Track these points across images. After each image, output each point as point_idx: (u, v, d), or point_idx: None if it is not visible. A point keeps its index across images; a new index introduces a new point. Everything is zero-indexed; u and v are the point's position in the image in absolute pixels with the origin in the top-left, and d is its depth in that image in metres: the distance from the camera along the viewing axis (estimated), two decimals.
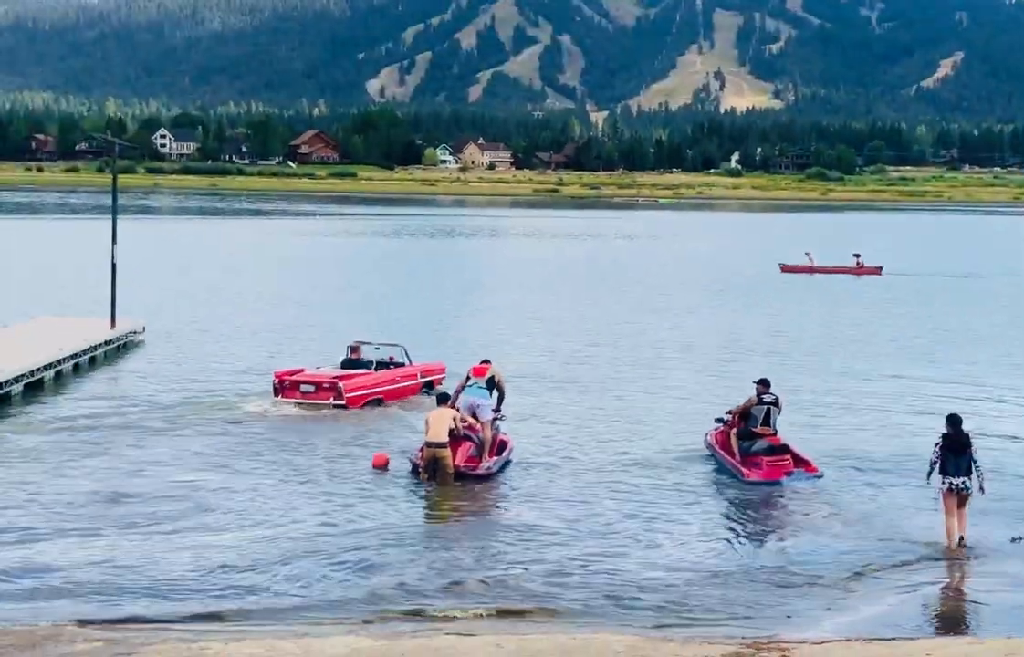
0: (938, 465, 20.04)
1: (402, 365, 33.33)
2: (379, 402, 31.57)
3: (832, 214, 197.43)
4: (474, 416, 24.92)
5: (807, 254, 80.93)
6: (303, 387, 31.33)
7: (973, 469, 20.05)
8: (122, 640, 14.69)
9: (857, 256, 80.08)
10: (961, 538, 20.05)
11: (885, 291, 68.21)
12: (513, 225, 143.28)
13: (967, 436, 20.26)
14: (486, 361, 26.33)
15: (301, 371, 32.37)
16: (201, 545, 19.46)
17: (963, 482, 19.94)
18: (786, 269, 79.26)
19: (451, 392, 26.06)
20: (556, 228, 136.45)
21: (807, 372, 38.36)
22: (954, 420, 20.41)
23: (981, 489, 20.11)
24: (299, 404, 30.88)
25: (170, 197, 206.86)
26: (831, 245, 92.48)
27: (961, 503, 20.07)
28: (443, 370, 34.23)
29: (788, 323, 52.71)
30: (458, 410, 24.73)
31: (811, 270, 78.69)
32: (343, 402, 30.81)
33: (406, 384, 32.78)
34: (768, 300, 62.44)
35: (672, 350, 43.28)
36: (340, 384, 31.13)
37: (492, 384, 25.59)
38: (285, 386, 31.44)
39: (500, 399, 25.93)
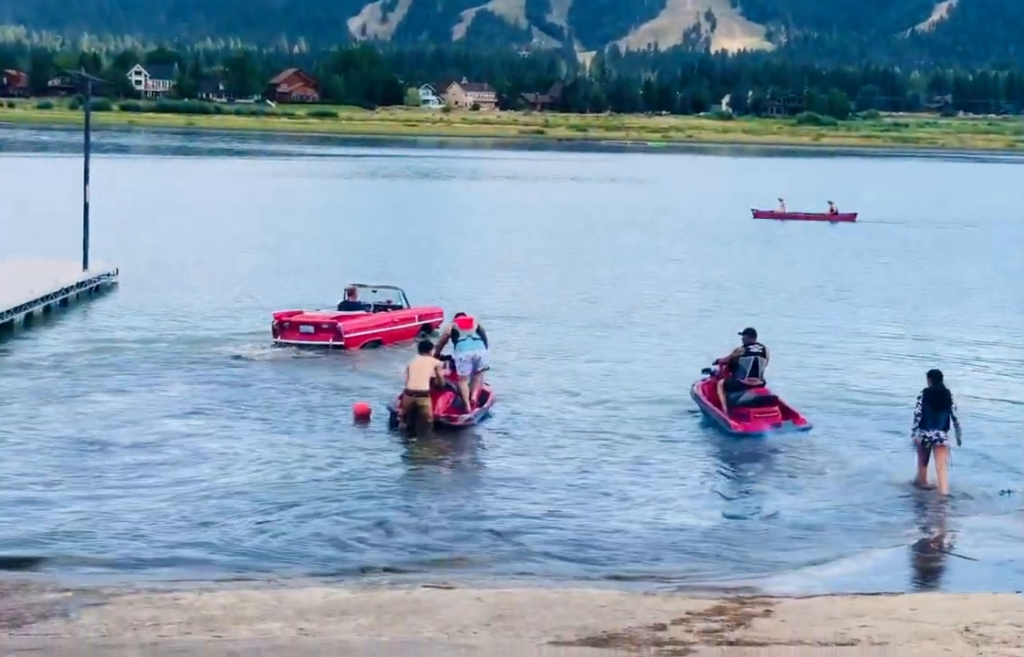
0: (919, 418, 20.48)
1: (400, 308, 33.56)
2: (377, 344, 31.80)
3: (823, 160, 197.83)
4: (474, 370, 24.49)
5: (780, 200, 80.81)
6: (302, 328, 31.67)
7: (952, 424, 20.42)
8: (92, 590, 14.52)
9: (831, 203, 79.96)
10: (942, 491, 20.30)
11: (860, 238, 68.34)
12: (496, 168, 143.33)
13: (948, 392, 20.66)
14: (461, 313, 25.83)
15: (300, 313, 32.61)
16: (173, 494, 19.15)
17: (937, 434, 20.35)
18: (759, 215, 78.96)
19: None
20: (540, 171, 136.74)
21: (789, 321, 38.17)
22: (935, 375, 20.84)
23: (959, 442, 20.55)
24: (298, 345, 31.14)
25: (145, 136, 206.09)
26: (821, 191, 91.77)
27: (940, 457, 20.40)
28: (441, 314, 34.24)
29: (763, 271, 52.52)
30: (442, 364, 24.15)
31: (783, 216, 78.48)
32: (342, 343, 31.17)
33: (404, 327, 33.00)
34: (741, 247, 62.33)
35: (651, 299, 43.11)
36: (339, 325, 31.50)
37: (481, 334, 24.99)
38: (284, 327, 31.75)
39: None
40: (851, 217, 77.95)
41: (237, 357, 29.93)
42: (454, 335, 24.69)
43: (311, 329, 31.55)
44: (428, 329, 32.91)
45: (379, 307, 33.36)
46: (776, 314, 38.90)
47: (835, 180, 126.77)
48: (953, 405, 20.56)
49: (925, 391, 20.60)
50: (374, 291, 34.30)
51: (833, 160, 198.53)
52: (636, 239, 64.11)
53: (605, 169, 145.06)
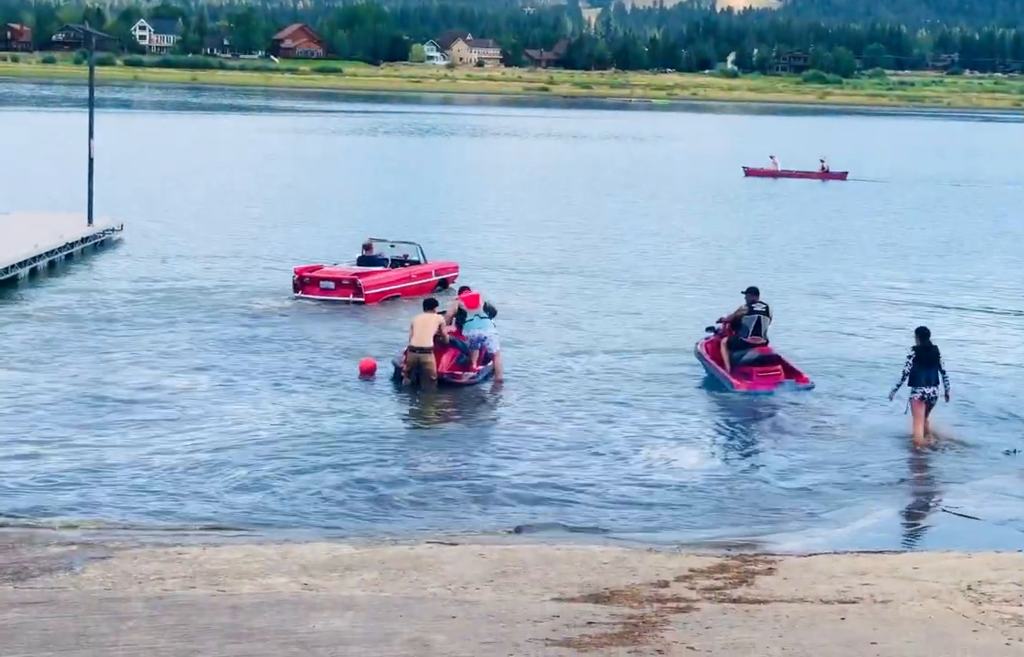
0: (909, 376, 20.77)
1: (417, 263, 33.86)
2: (395, 299, 31.92)
3: (827, 118, 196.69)
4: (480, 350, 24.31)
5: (771, 157, 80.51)
6: (323, 283, 31.90)
7: (941, 378, 20.93)
8: (97, 543, 14.54)
9: (823, 161, 79.80)
10: (929, 439, 20.89)
11: (849, 197, 68.27)
12: (499, 125, 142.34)
13: (936, 348, 21.14)
14: (465, 288, 25.73)
15: (320, 268, 32.82)
16: (178, 448, 19.16)
17: (932, 391, 20.85)
18: (750, 173, 78.79)
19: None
20: (542, 128, 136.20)
21: (789, 279, 38.06)
22: (923, 332, 21.27)
23: (947, 397, 21.12)
24: (319, 300, 31.32)
25: (149, 91, 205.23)
26: (819, 149, 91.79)
27: (927, 411, 20.91)
28: (456, 269, 34.97)
29: (759, 229, 52.45)
30: (446, 320, 24.06)
31: (775, 174, 78.27)
32: (362, 299, 31.41)
33: (422, 282, 33.17)
34: (738, 206, 62.21)
35: (651, 257, 43.10)
36: (360, 281, 31.67)
37: (490, 311, 24.68)
38: (305, 282, 31.97)
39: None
40: (842, 175, 77.81)
41: (254, 313, 30.03)
42: (460, 314, 24.45)
43: (331, 285, 31.76)
44: (444, 284, 33.36)
45: (396, 262, 33.56)
46: (777, 272, 38.88)
47: (836, 138, 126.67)
48: (941, 360, 21.08)
49: (915, 348, 20.98)
50: (392, 246, 34.38)
51: (837, 118, 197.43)
52: (634, 196, 63.96)
53: (608, 126, 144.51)
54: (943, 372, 20.97)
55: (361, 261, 33.01)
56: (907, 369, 20.84)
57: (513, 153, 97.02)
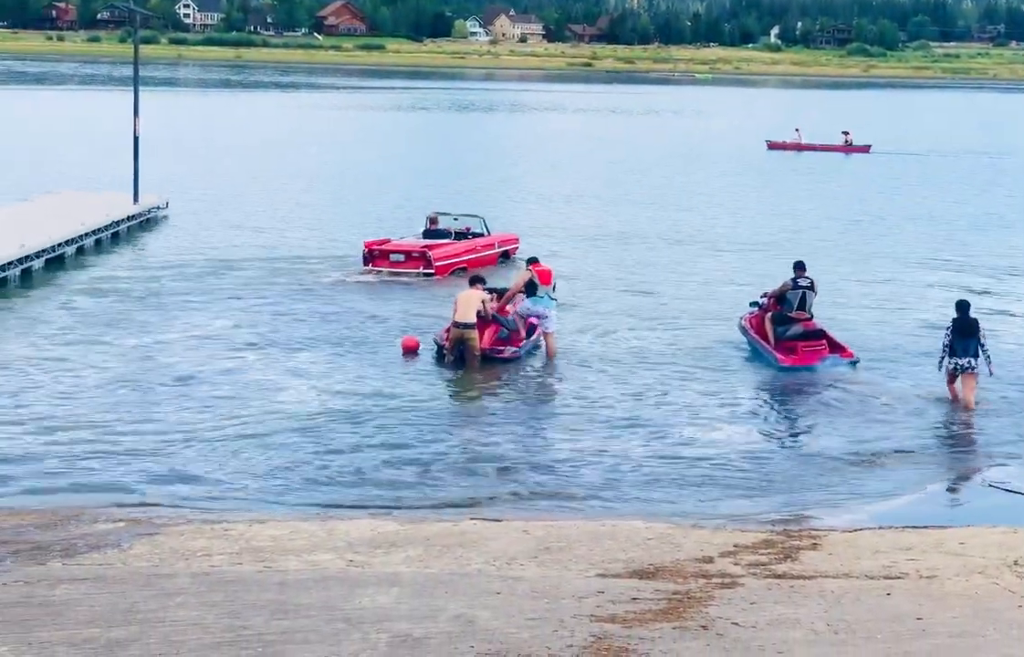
0: (948, 347, 21.15)
1: (480, 235, 34.51)
2: (463, 270, 31.89)
3: (872, 91, 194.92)
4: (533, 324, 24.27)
5: (796, 130, 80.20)
6: (392, 256, 32.46)
7: (981, 352, 21.13)
8: (144, 520, 14.71)
9: (846, 133, 79.42)
10: (970, 407, 21.03)
11: (875, 169, 67.80)
12: (540, 100, 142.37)
13: (975, 321, 21.41)
14: (535, 260, 25.21)
15: (388, 241, 33.50)
16: (225, 424, 19.24)
17: (968, 362, 21.05)
18: (773, 146, 78.55)
19: (507, 287, 25.67)
20: (583, 103, 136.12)
21: (825, 254, 37.45)
22: (962, 305, 21.61)
23: (990, 372, 21.29)
24: (390, 273, 31.93)
25: (193, 69, 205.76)
26: (854, 122, 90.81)
27: (967, 382, 21.11)
28: (517, 241, 35.87)
29: (793, 204, 51.95)
30: (489, 296, 24.14)
31: (799, 147, 77.91)
32: (432, 271, 32.03)
33: (486, 254, 33.97)
34: (769, 180, 61.69)
35: (694, 230, 43.12)
36: (429, 253, 32.29)
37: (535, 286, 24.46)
38: (375, 255, 32.56)
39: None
40: (865, 148, 77.37)
41: (307, 286, 30.34)
42: (531, 286, 24.29)
43: (401, 257, 32.37)
44: (507, 256, 34.52)
45: (460, 235, 34.16)
46: (816, 247, 38.59)
47: (873, 110, 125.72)
48: (982, 333, 21.29)
49: (953, 320, 21.34)
50: (455, 219, 35.18)
51: (881, 91, 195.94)
52: (672, 171, 63.80)
53: (649, 101, 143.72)
54: (983, 345, 21.17)
55: (427, 234, 33.77)
56: (946, 341, 21.23)
57: (553, 129, 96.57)
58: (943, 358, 21.27)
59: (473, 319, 23.16)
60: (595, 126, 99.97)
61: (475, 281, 24.18)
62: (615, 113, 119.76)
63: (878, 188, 58.60)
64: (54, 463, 17.27)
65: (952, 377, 21.33)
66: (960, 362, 21.07)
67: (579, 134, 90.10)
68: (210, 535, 13.89)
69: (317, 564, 12.70)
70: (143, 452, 17.81)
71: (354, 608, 11.08)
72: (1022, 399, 21.88)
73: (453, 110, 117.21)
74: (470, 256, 33.36)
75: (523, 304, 24.33)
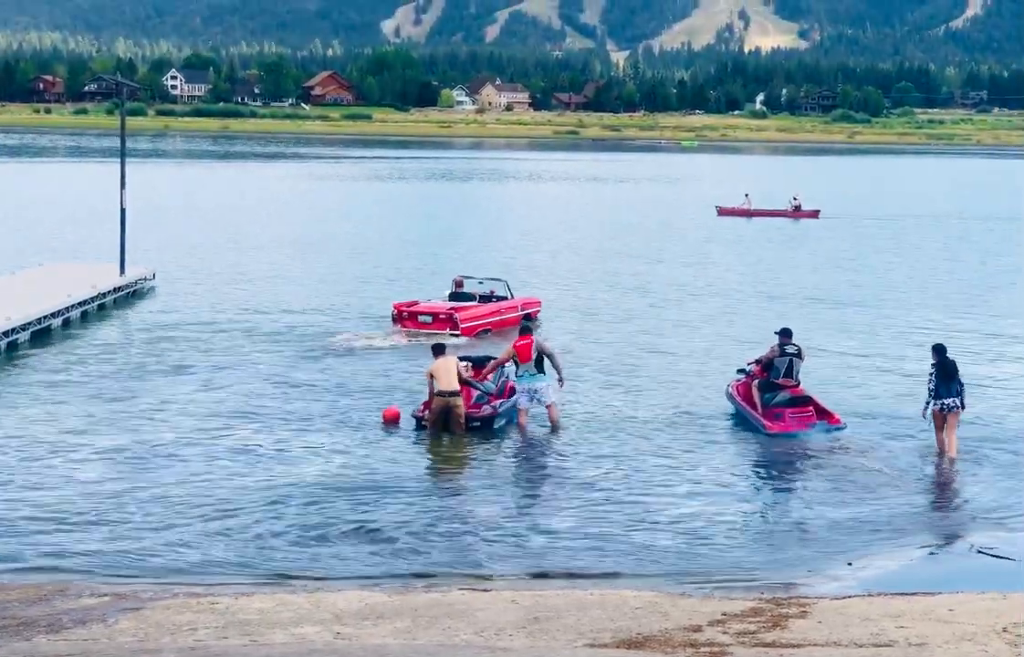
0: (932, 392, 21.90)
1: (504, 298, 35.79)
2: (487, 332, 33.88)
3: (860, 157, 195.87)
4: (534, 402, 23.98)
5: (746, 195, 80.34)
6: (421, 318, 33.92)
7: (960, 390, 22.01)
8: (130, 594, 14.65)
9: (795, 199, 79.64)
10: (951, 458, 21.84)
11: (825, 235, 67.93)
12: (524, 168, 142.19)
13: (953, 362, 22.19)
14: (526, 332, 24.84)
15: (416, 303, 35.03)
16: (210, 497, 19.20)
17: (953, 402, 21.90)
18: (723, 212, 78.74)
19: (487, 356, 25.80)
20: (562, 171, 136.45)
21: (808, 321, 37.26)
22: (940, 349, 22.35)
23: (962, 405, 22.11)
24: (417, 333, 33.01)
25: (181, 140, 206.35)
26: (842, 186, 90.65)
27: (951, 422, 21.96)
28: (539, 304, 37.26)
29: (760, 272, 51.70)
30: (464, 363, 24.22)
31: (748, 213, 78.01)
32: (458, 332, 33.26)
33: (510, 316, 35.05)
34: (708, 248, 60.88)
35: (676, 298, 43.10)
36: (456, 315, 33.71)
37: (540, 361, 24.05)
38: (403, 316, 34.09)
39: (558, 370, 24.28)
40: (814, 213, 77.52)
41: (288, 358, 30.35)
42: (511, 360, 24.22)
43: (429, 318, 33.80)
44: (528, 318, 34.35)
45: (484, 297, 35.60)
46: (794, 315, 38.67)
47: (848, 175, 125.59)
48: (960, 373, 22.20)
49: (936, 365, 22.04)
50: (480, 282, 36.59)
51: (866, 158, 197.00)
52: (650, 239, 63.89)
53: (627, 170, 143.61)
54: (961, 384, 22.08)
55: (453, 296, 35.43)
56: (931, 385, 21.96)
57: (533, 196, 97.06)
58: (929, 402, 21.94)
59: (457, 387, 23.11)
60: (579, 195, 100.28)
61: (439, 350, 23.87)
62: (597, 181, 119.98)
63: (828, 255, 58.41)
64: (39, 538, 17.17)
65: (940, 420, 21.96)
66: (947, 402, 21.84)
67: (561, 203, 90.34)
68: (196, 609, 13.81)
69: (304, 637, 12.63)
70: (128, 525, 17.72)
71: None
72: (1009, 461, 21.93)
73: (438, 178, 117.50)
74: (494, 318, 34.70)
75: (517, 389, 23.98)
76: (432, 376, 23.32)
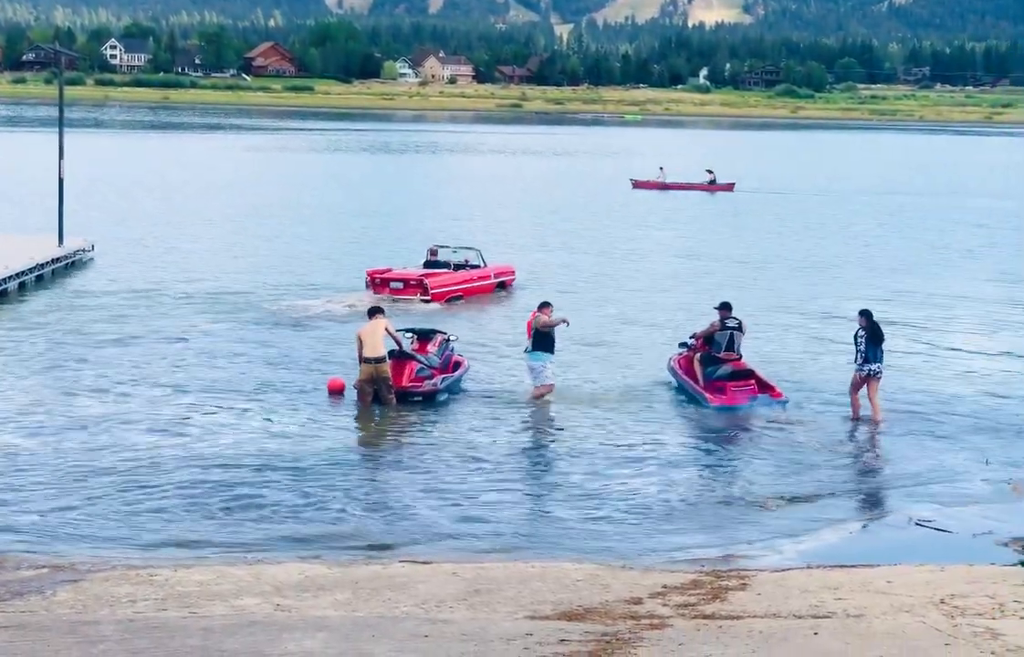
0: (863, 355, 22.70)
1: (477, 267, 36.73)
2: (458, 298, 35.14)
3: (800, 132, 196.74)
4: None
5: (660, 168, 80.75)
6: (392, 283, 34.90)
7: (882, 356, 22.92)
8: (68, 566, 14.52)
9: (710, 172, 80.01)
10: (877, 417, 22.74)
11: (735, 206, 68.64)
12: (464, 141, 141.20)
13: (879, 327, 23.09)
14: (545, 305, 24.38)
15: (389, 270, 35.99)
16: (149, 469, 19.05)
17: (878, 367, 22.80)
18: (638, 185, 79.01)
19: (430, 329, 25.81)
20: (496, 144, 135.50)
21: (747, 293, 37.62)
22: (868, 313, 23.20)
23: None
24: (391, 299, 33.40)
25: (120, 110, 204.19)
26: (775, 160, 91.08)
27: (874, 386, 22.85)
28: (513, 272, 38.20)
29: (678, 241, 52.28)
30: (434, 351, 24.34)
31: (662, 186, 78.38)
32: (428, 297, 34.38)
33: (482, 283, 36.47)
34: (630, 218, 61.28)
35: (620, 271, 42.94)
36: (426, 281, 34.73)
37: (542, 337, 23.79)
38: (376, 282, 35.08)
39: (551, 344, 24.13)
40: (729, 187, 78.01)
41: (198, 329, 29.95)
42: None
43: (400, 285, 34.84)
44: (502, 286, 37.01)
45: (458, 266, 36.57)
46: (736, 286, 38.80)
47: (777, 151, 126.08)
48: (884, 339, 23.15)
49: (866, 328, 22.85)
50: (454, 251, 37.53)
51: (808, 133, 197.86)
52: (590, 214, 63.87)
53: (566, 143, 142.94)
54: (882, 350, 22.93)
55: (427, 265, 36.43)
56: (862, 348, 22.76)
57: (467, 171, 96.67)
58: (861, 364, 22.79)
59: (383, 352, 22.72)
60: (509, 167, 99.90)
61: (374, 311, 23.65)
62: (535, 154, 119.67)
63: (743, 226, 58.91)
64: None
65: (861, 383, 22.90)
66: (872, 367, 22.74)
67: (497, 176, 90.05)
68: (135, 581, 13.73)
69: (243, 609, 12.57)
70: (66, 498, 17.58)
71: (280, 654, 10.93)
72: (946, 434, 22.24)
73: (381, 151, 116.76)
74: (466, 285, 35.85)
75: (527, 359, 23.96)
76: (360, 340, 22.96)
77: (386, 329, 23.06)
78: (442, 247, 37.82)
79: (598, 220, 59.77)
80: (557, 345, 24.16)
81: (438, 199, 69.24)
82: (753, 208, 68.27)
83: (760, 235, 55.21)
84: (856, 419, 22.84)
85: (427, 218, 57.49)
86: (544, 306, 24.19)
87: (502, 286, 37.13)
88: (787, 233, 56.56)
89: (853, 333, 23.35)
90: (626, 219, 60.80)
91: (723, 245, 50.78)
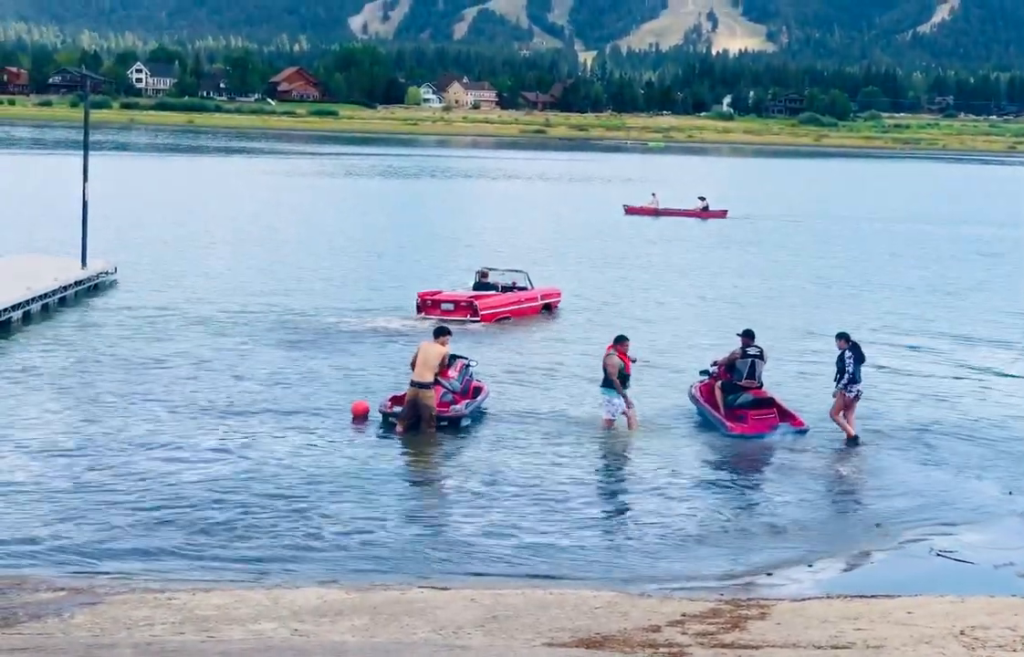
0: (850, 376, 23.03)
1: (525, 289, 37.51)
2: (507, 319, 35.97)
3: (819, 160, 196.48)
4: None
5: (653, 195, 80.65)
6: (443, 305, 35.76)
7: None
8: (87, 589, 14.52)
9: (702, 199, 79.73)
10: (851, 433, 23.16)
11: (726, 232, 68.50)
12: (486, 167, 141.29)
13: (860, 347, 23.58)
14: (623, 338, 24.31)
15: (440, 292, 37.02)
16: (170, 492, 19.02)
17: (861, 387, 23.40)
18: (631, 211, 78.90)
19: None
20: (516, 170, 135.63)
21: (774, 319, 37.69)
22: (846, 335, 23.67)
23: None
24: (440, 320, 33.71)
25: (145, 133, 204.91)
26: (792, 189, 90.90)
27: (854, 406, 23.33)
28: (559, 295, 39.12)
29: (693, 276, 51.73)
30: (456, 376, 24.15)
31: (655, 212, 78.27)
32: (478, 318, 35.12)
33: (529, 305, 37.23)
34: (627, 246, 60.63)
35: (643, 297, 42.91)
36: (476, 303, 35.61)
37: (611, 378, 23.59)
38: (427, 304, 35.88)
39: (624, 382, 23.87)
40: (722, 213, 77.64)
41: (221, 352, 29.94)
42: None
43: (451, 306, 35.70)
44: (548, 308, 37.87)
45: (506, 288, 37.33)
46: (759, 314, 38.61)
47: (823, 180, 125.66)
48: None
49: (851, 349, 23.23)
50: (503, 273, 38.32)
51: (831, 161, 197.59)
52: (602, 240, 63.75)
53: (587, 170, 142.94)
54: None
55: (477, 287, 37.16)
56: (850, 369, 23.07)
57: (486, 195, 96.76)
58: (847, 384, 23.07)
59: (430, 379, 22.74)
60: (531, 194, 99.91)
61: (440, 332, 23.66)
62: (548, 180, 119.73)
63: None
64: None
65: (843, 403, 23.20)
66: (859, 388, 23.28)
67: (504, 200, 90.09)
68: (153, 604, 13.72)
69: (261, 634, 12.55)
70: (86, 520, 17.57)
71: None
72: (970, 464, 22.10)
73: (410, 176, 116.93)
74: (514, 307, 36.63)
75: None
76: (415, 356, 23.07)
77: (441, 357, 23.03)
78: (492, 269, 38.43)
79: (606, 244, 59.83)
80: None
81: (448, 226, 69.30)
82: (745, 234, 68.12)
83: (760, 260, 55.26)
84: (851, 437, 22.97)
85: (462, 242, 57.52)
86: (621, 341, 24.04)
87: (548, 308, 37.86)
88: (801, 258, 56.53)
89: (837, 356, 23.47)
90: (630, 241, 60.80)
91: (732, 274, 50.67)
